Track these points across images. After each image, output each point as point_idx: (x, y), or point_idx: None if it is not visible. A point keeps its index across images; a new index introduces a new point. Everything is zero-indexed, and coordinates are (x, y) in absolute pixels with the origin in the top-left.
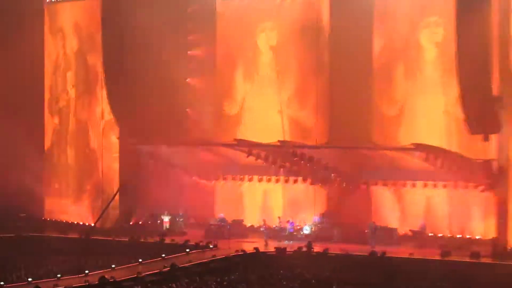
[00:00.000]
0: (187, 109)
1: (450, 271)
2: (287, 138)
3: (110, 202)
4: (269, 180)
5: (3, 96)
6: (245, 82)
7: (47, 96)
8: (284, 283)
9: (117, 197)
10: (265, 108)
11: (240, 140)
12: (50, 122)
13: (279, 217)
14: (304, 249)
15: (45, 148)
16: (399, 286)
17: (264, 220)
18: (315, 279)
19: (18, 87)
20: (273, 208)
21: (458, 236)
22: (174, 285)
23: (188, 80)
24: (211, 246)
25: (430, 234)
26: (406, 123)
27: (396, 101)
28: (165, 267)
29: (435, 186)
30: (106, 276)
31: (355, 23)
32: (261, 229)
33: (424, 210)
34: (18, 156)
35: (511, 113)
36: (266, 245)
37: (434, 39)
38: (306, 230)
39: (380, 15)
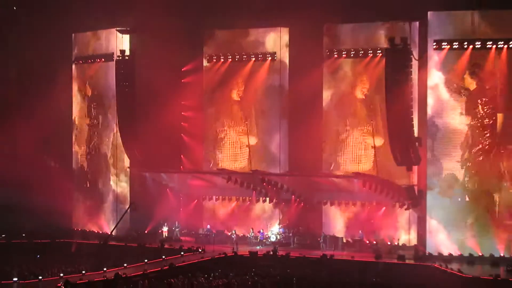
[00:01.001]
0: (181, 145)
1: (381, 270)
2: (258, 167)
3: (123, 216)
4: (244, 200)
5: (42, 133)
6: (224, 125)
7: (74, 132)
8: (256, 278)
9: (128, 212)
10: (240, 144)
11: (222, 169)
12: (77, 153)
13: (252, 228)
14: (271, 252)
15: (73, 173)
16: (343, 280)
17: (235, 230)
18: (279, 275)
19: (52, 125)
20: (247, 221)
21: (388, 243)
22: (172, 280)
23: (182, 123)
24: (200, 250)
25: (366, 242)
26: (348, 156)
27: (341, 138)
28: (164, 266)
29: (370, 204)
30: (119, 273)
31: (309, 80)
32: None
33: (362, 223)
34: (53, 179)
35: (427, 150)
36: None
37: (364, 92)
38: (273, 238)
39: (328, 71)
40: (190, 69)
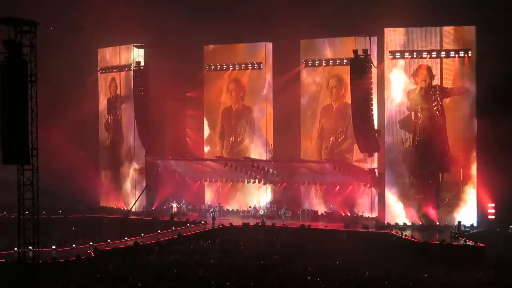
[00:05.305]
0: (187, 138)
1: (349, 237)
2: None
3: (140, 195)
4: (237, 182)
5: (73, 129)
6: (221, 121)
7: (100, 128)
8: (247, 244)
9: (144, 192)
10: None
11: (220, 156)
12: (103, 144)
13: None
14: (260, 224)
15: (100, 160)
16: (317, 245)
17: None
18: (266, 242)
19: (82, 122)
20: (241, 198)
21: (354, 215)
22: (180, 246)
23: (187, 119)
24: (202, 222)
25: (337, 214)
26: (320, 145)
27: (315, 132)
28: (174, 235)
29: (340, 184)
30: (138, 241)
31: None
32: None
33: (332, 199)
34: (84, 167)
35: (385, 140)
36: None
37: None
38: (261, 212)
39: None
40: (194, 76)
